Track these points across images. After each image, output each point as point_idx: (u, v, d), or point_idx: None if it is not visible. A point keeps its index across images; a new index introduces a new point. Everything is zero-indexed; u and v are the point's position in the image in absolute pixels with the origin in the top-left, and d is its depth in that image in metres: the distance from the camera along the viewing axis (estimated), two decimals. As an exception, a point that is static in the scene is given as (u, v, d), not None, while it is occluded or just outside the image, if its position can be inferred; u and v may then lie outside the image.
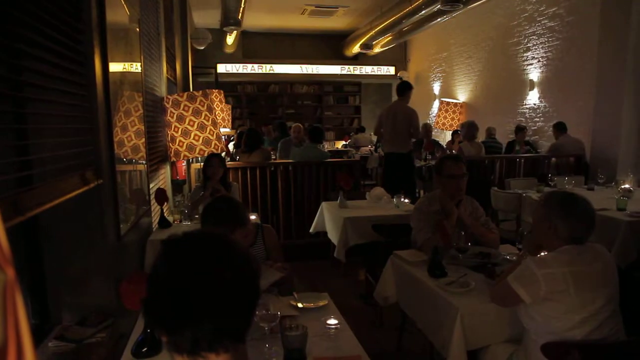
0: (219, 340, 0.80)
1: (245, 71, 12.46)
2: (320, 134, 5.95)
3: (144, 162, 3.35)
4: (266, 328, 1.64)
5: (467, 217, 2.74)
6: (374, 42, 11.12)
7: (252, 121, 12.67)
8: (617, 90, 6.18)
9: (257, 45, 12.54)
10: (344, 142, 12.37)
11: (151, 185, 3.64)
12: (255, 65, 12.47)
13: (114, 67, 2.42)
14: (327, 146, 10.69)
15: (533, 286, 1.78)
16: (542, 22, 7.84)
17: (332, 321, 1.73)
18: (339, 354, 1.56)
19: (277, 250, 2.41)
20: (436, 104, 11.31)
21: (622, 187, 4.88)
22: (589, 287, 1.75)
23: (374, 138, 11.59)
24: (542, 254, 1.93)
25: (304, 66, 12.75)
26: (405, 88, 6.14)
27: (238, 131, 8.26)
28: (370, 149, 10.44)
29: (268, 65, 12.52)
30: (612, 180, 5.70)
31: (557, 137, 6.81)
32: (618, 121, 6.18)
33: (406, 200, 4.38)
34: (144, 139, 3.30)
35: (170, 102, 4.21)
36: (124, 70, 2.75)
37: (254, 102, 13.40)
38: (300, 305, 1.99)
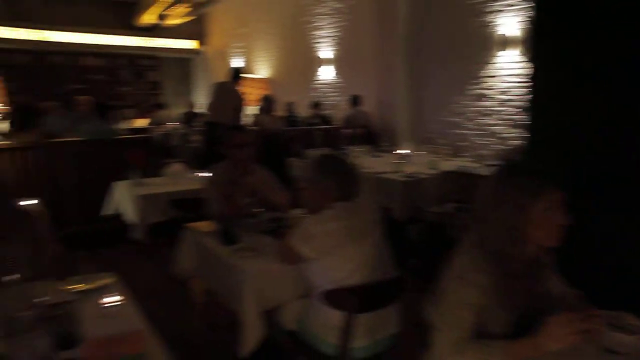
0: None
1: (15, 36, 10.60)
2: (106, 109, 5.50)
3: None
4: (26, 318, 1.44)
5: (257, 184, 2.82)
6: (168, 13, 10.58)
7: (32, 97, 10.96)
8: (394, 68, 7.02)
9: (29, 7, 10.74)
10: (149, 121, 11.57)
11: None
12: (29, 31, 10.68)
13: None
14: (126, 124, 9.87)
15: (312, 242, 1.92)
16: (329, 3, 8.44)
17: (111, 298, 1.61)
18: (120, 332, 1.46)
19: (47, 236, 2.11)
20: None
21: (399, 152, 5.62)
22: (360, 238, 1.95)
23: (175, 114, 11.15)
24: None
25: (90, 35, 11.44)
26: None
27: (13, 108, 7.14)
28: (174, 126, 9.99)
29: (46, 32, 10.88)
30: (396, 147, 6.52)
31: (350, 110, 7.48)
32: (396, 95, 7.05)
33: (205, 175, 4.32)
34: None
35: None
36: None
37: (31, 75, 11.60)
38: (77, 287, 1.80)
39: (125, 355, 1.33)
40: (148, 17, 11.09)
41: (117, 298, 1.65)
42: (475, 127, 6.33)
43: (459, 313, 1.33)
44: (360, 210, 2.02)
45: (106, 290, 1.80)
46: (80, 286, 1.84)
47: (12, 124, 6.90)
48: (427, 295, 1.57)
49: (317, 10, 8.74)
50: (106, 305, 1.59)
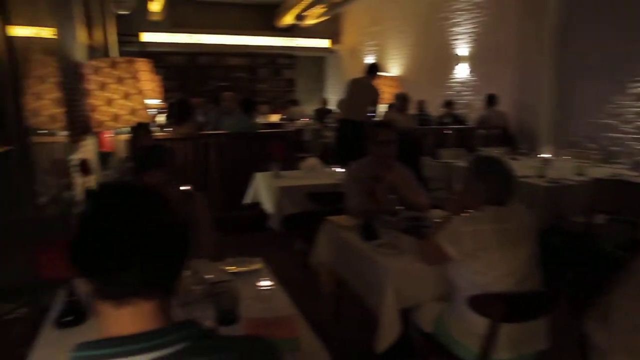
0: (146, 286, 0.80)
1: (173, 40, 11.93)
2: (251, 105, 5.88)
3: (64, 132, 3.16)
4: (198, 292, 1.61)
5: (397, 182, 2.81)
6: (306, 14, 10.99)
7: (183, 93, 12.21)
8: (537, 65, 6.53)
9: (185, 14, 12.01)
10: (282, 116, 12.23)
11: (75, 157, 3.44)
12: (184, 35, 11.97)
13: (20, 29, 2.23)
14: (261, 119, 10.52)
15: (460, 243, 1.86)
16: (468, -2, 8.12)
17: (265, 282, 1.72)
18: (272, 315, 1.55)
19: (206, 219, 2.33)
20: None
21: (542, 156, 5.23)
22: (511, 244, 1.85)
23: (307, 111, 11.58)
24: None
25: (235, 37, 12.41)
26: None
27: (169, 103, 7.99)
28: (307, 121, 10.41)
29: (197, 36, 12.07)
30: (535, 150, 6.09)
31: (485, 110, 7.13)
32: (538, 94, 6.56)
33: (340, 170, 4.42)
34: (62, 108, 3.10)
35: (91, 69, 3.94)
36: (33, 33, 2.54)
37: (183, 74, 12.91)
38: (232, 269, 1.96)
39: (280, 339, 1.40)
40: (287, 18, 11.64)
41: (270, 282, 1.75)
42: (635, 130, 5.64)
43: (635, 337, 1.19)
44: (513, 216, 1.91)
45: (257, 274, 1.93)
46: (233, 268, 1.99)
47: (168, 117, 7.76)
48: (588, 312, 1.45)
49: (454, 6, 8.45)
50: (261, 288, 1.70)
